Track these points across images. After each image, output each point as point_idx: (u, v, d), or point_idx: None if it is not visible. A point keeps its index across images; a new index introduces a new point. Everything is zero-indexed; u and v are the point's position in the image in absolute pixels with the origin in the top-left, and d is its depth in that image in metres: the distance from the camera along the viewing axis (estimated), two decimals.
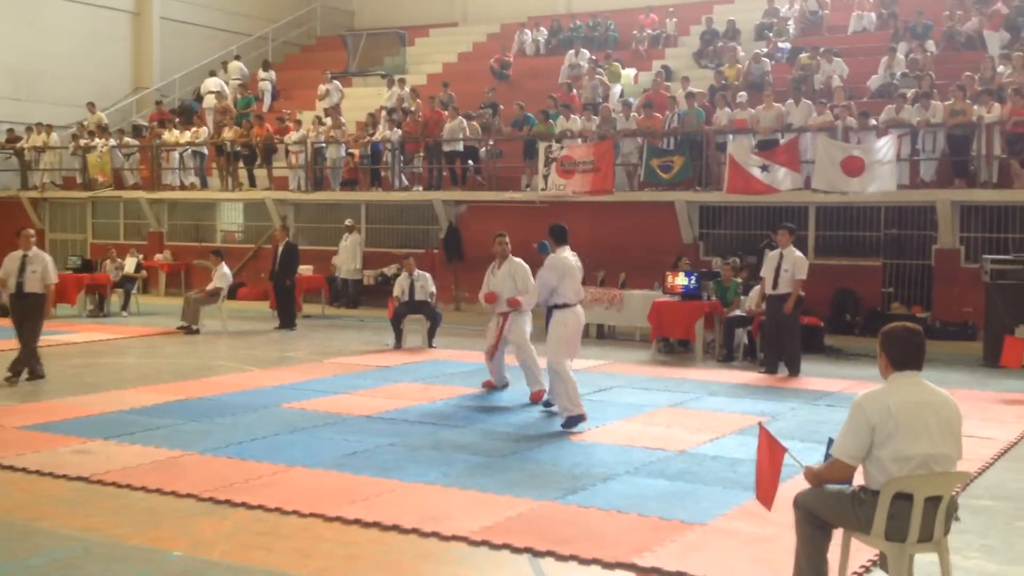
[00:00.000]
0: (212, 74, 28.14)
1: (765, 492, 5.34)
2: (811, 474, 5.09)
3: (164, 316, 19.05)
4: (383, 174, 22.35)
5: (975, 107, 16.69)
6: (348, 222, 21.60)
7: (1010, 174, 16.60)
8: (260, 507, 6.99)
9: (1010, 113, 16.33)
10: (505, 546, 6.22)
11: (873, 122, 17.38)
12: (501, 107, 22.31)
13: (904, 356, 4.95)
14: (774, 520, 6.54)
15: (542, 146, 19.69)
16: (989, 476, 8.09)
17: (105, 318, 19.42)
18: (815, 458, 8.28)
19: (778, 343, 13.27)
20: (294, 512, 6.87)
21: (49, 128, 25.86)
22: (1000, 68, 18.34)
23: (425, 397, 11.34)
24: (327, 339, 16.63)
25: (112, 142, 25.34)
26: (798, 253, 13.23)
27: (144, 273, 22.13)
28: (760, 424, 5.52)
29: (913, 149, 17.35)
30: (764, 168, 17.60)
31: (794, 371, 13.07)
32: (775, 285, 13.08)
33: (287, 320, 17.89)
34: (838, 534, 5.13)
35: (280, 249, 18.19)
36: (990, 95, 16.96)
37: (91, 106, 26.64)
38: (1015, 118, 16.24)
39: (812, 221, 18.19)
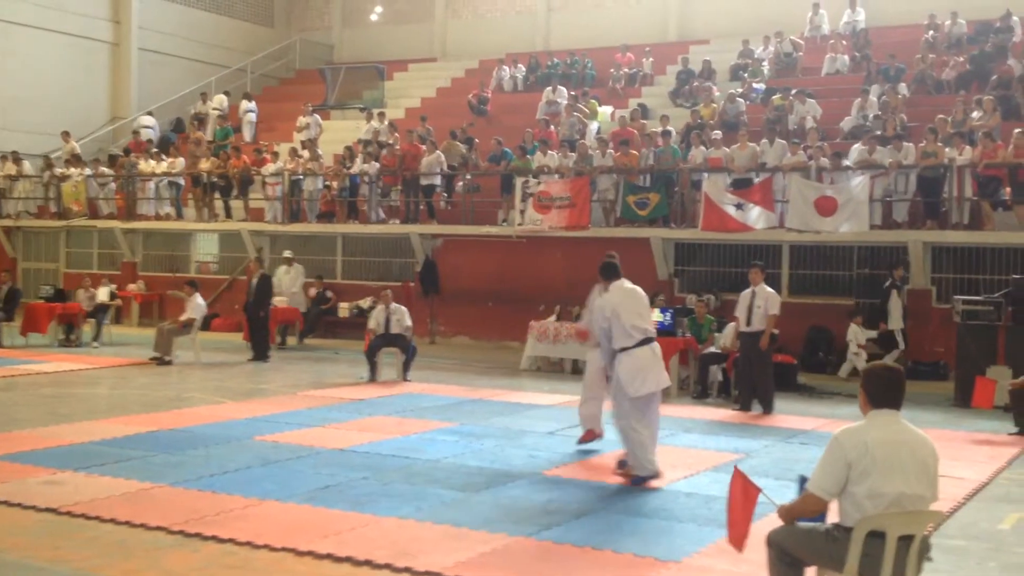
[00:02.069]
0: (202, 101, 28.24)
1: (737, 534, 5.35)
2: (784, 511, 5.12)
3: (136, 347, 18.90)
4: (360, 207, 22.37)
5: (947, 149, 16.93)
6: (287, 254, 21.38)
7: (981, 216, 16.82)
8: (231, 540, 6.92)
9: (981, 156, 16.57)
10: None
11: (846, 163, 17.59)
12: (476, 141, 22.43)
13: (883, 394, 5.00)
14: (748, 558, 6.53)
15: (519, 181, 19.78)
16: (961, 516, 8.13)
17: (77, 348, 19.23)
18: (788, 496, 8.30)
19: (752, 380, 13.33)
20: (265, 546, 6.81)
21: (18, 157, 25.73)
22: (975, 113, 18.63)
23: (399, 431, 11.29)
24: (301, 371, 16.55)
25: (87, 171, 25.25)
26: (770, 289, 13.33)
27: (118, 303, 21.97)
28: (736, 467, 5.54)
29: (886, 190, 17.54)
30: (739, 206, 17.75)
31: (767, 409, 13.11)
32: (749, 322, 13.16)
33: (261, 352, 17.80)
34: (811, 572, 5.14)
35: (255, 280, 18.13)
36: (961, 138, 17.22)
37: (66, 135, 26.54)
38: (986, 160, 16.47)
39: (786, 260, 18.33)
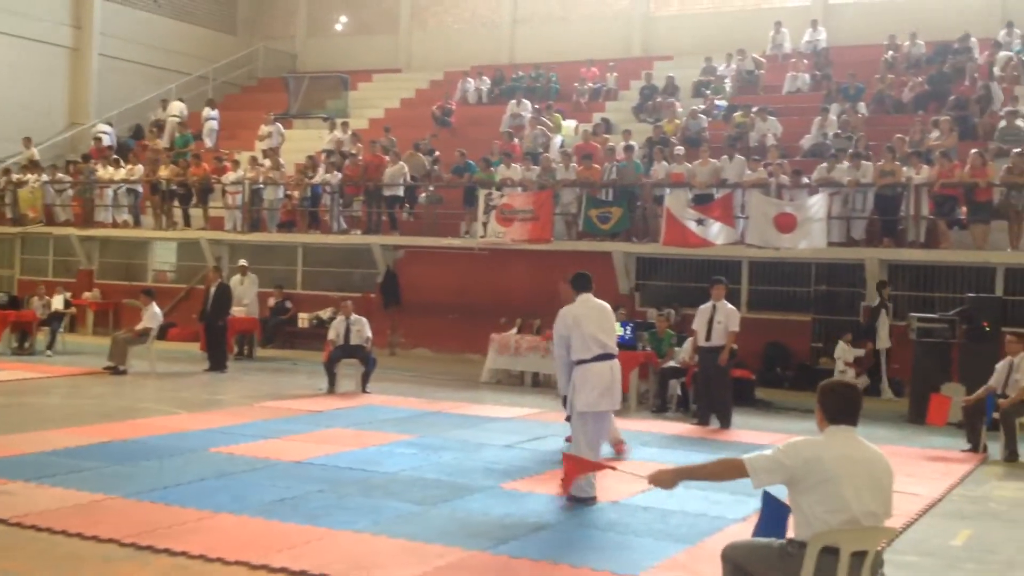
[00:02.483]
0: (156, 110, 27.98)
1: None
2: (684, 470, 5.40)
3: (91, 356, 18.65)
4: (322, 217, 22.26)
5: (904, 168, 17.15)
6: (242, 263, 21.10)
7: (937, 234, 17.04)
8: (184, 554, 6.83)
9: (937, 175, 16.80)
10: None
11: (805, 180, 17.77)
12: (438, 152, 22.42)
13: (840, 410, 5.04)
14: (704, 572, 6.57)
15: (482, 193, 19.79)
16: (914, 532, 8.20)
17: (30, 356, 18.94)
18: (743, 512, 8.37)
19: (710, 395, 13.40)
20: (218, 559, 6.72)
21: None
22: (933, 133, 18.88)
23: (357, 443, 11.22)
24: (259, 382, 16.41)
25: (44, 177, 24.94)
26: (731, 306, 13.41)
27: (72, 311, 21.69)
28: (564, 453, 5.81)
29: (844, 208, 17.73)
30: (700, 222, 17.87)
31: (725, 423, 13.18)
32: (708, 337, 13.22)
33: (218, 362, 17.63)
34: None
35: (213, 289, 17.96)
36: (919, 157, 17.46)
37: (27, 141, 26.22)
38: (942, 180, 16.70)
39: (745, 275, 18.48)
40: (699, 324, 13.38)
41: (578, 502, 8.58)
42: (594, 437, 8.94)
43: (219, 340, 17.86)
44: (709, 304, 13.36)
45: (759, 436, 12.58)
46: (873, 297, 17.17)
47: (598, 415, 8.87)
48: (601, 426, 9.05)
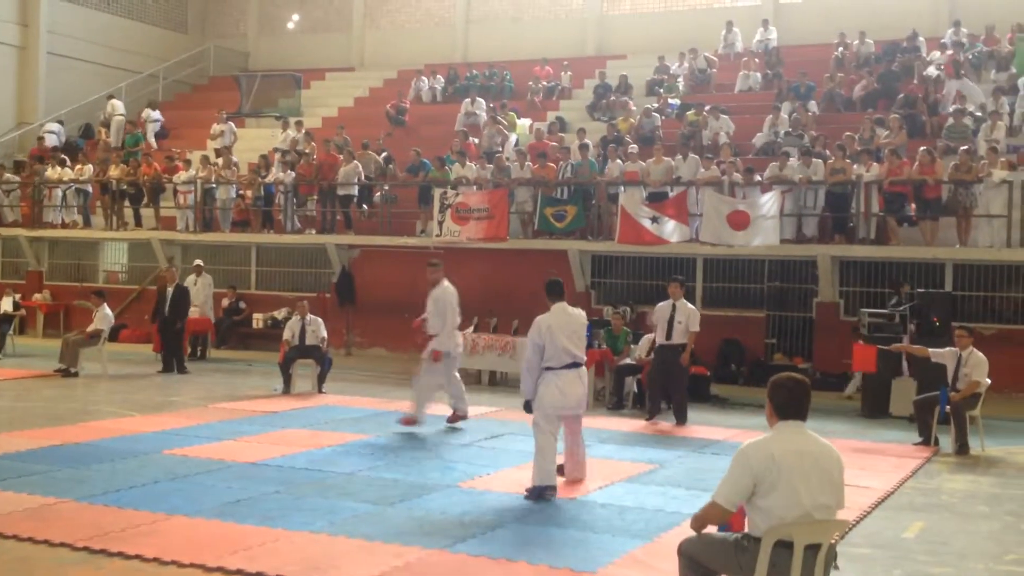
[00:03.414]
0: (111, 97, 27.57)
1: None
2: (694, 519, 5.18)
3: (41, 358, 18.36)
4: (276, 216, 22.09)
5: (855, 166, 17.36)
6: (197, 263, 20.63)
7: (887, 231, 17.27)
8: (138, 557, 6.76)
9: (887, 172, 17.02)
10: None
11: (758, 178, 17.93)
12: (386, 152, 22.33)
13: (789, 405, 5.08)
14: (662, 568, 6.61)
15: (437, 192, 19.75)
16: (867, 525, 8.31)
17: None
18: (699, 507, 8.41)
19: (663, 390, 13.50)
20: (173, 562, 6.66)
21: None
22: (878, 130, 19.13)
23: (313, 443, 11.15)
24: (213, 383, 16.25)
25: None
26: (691, 306, 13.50)
27: (22, 313, 21.35)
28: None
29: (801, 205, 17.89)
30: (654, 220, 17.96)
31: (681, 420, 13.27)
32: (668, 336, 13.28)
33: (177, 364, 17.39)
34: None
35: (170, 290, 17.71)
36: (869, 155, 17.68)
37: None
38: (892, 177, 16.93)
39: (700, 273, 18.60)
40: (659, 322, 13.42)
41: (539, 494, 8.79)
42: (552, 439, 9.10)
43: (176, 342, 17.61)
44: (668, 303, 13.41)
45: (714, 432, 12.69)
46: (825, 293, 17.37)
47: (571, 418, 9.32)
48: (574, 427, 9.44)
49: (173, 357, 17.47)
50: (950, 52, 22.25)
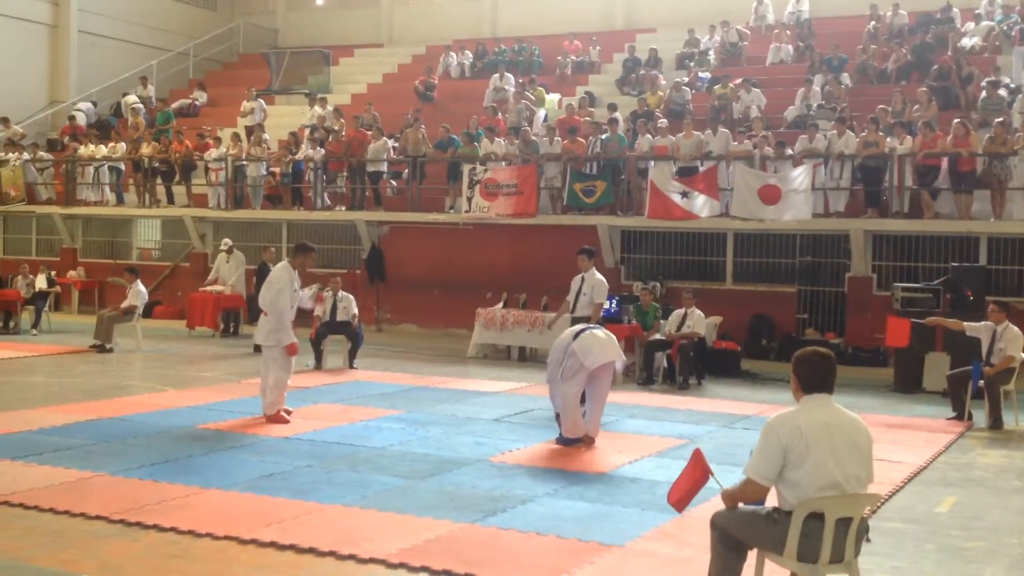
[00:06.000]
0: (126, 95, 27.76)
1: (679, 497, 5.48)
2: (727, 495, 5.17)
3: (76, 334, 18.58)
4: (306, 193, 22.16)
5: (888, 139, 17.16)
6: (226, 242, 20.61)
7: (920, 205, 17.08)
8: (172, 529, 6.84)
9: (920, 145, 16.82)
10: (423, 568, 6.18)
11: (789, 152, 17.77)
12: (421, 123, 22.22)
13: (814, 379, 5.07)
14: (691, 542, 6.62)
15: (466, 168, 19.73)
16: (899, 499, 8.27)
17: (15, 335, 18.86)
18: (732, 480, 8.40)
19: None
20: (207, 535, 6.74)
21: None
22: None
23: (344, 418, 11.23)
24: (244, 359, 16.37)
25: (26, 156, 24.76)
26: (599, 276, 12.80)
27: (57, 290, 21.59)
28: (697, 448, 5.61)
29: (828, 179, 17.73)
30: (684, 195, 17.86)
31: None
32: (573, 309, 12.84)
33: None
34: (752, 555, 5.20)
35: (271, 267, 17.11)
36: (902, 128, 17.47)
37: (5, 121, 26.00)
38: (925, 150, 16.73)
39: (730, 248, 18.49)
40: (571, 295, 12.92)
41: (568, 443, 9.78)
42: (602, 392, 10.10)
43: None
44: (579, 276, 12.87)
45: (744, 407, 12.66)
46: (858, 268, 17.23)
47: (604, 369, 9.98)
48: (605, 381, 10.16)
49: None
50: (985, 23, 21.90)
